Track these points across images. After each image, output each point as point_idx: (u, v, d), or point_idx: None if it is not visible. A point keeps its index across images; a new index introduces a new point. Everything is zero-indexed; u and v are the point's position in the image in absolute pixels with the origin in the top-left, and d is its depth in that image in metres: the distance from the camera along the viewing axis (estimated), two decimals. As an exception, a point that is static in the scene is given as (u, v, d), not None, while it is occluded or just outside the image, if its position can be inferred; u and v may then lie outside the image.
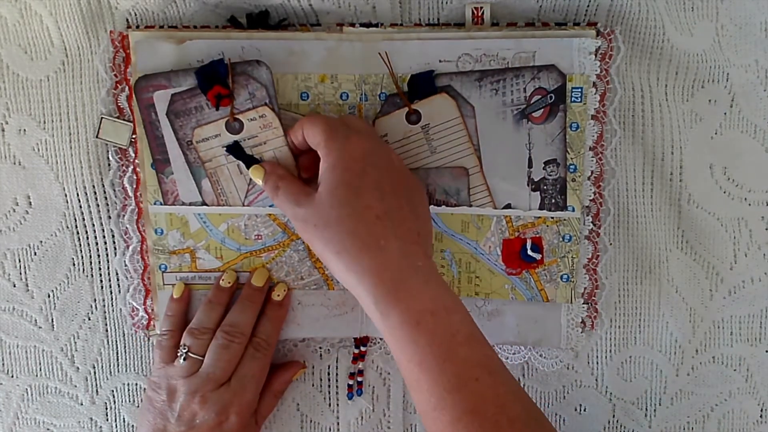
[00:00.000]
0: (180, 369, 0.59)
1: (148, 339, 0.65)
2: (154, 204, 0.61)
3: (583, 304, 0.64)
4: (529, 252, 0.62)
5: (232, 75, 0.59)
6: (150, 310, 0.64)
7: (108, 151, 0.62)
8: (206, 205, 0.61)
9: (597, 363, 0.66)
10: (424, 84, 0.60)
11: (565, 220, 0.62)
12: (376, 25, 0.61)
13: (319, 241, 0.54)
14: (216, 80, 0.59)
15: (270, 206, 0.61)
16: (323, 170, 0.55)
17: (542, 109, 0.61)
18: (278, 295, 0.63)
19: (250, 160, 0.60)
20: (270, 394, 0.64)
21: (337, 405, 0.67)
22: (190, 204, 0.61)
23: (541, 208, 0.62)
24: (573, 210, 0.62)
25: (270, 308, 0.63)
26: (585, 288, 0.64)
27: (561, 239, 0.62)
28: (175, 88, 0.59)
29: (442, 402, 0.50)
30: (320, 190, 0.54)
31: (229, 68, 0.59)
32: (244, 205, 0.61)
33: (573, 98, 0.60)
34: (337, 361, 0.66)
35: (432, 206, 0.62)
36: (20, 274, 0.63)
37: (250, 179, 0.61)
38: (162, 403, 0.59)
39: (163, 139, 0.60)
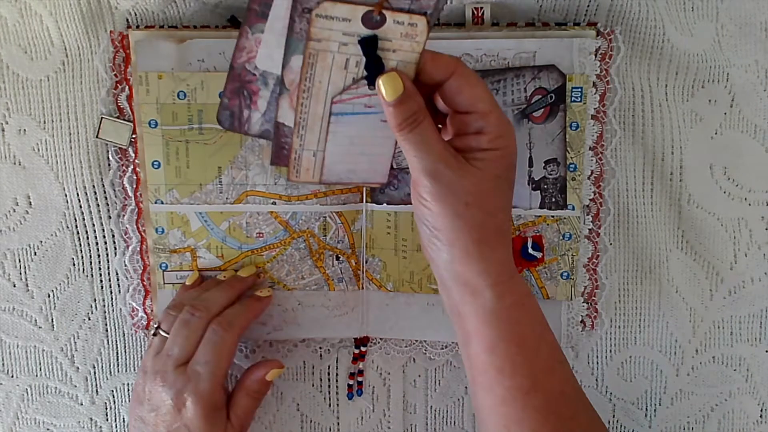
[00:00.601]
0: (152, 348, 0.58)
1: (148, 339, 0.65)
2: (155, 203, 0.61)
3: (583, 303, 0.64)
4: (530, 250, 0.62)
5: None
6: (149, 311, 0.63)
7: (108, 151, 0.62)
8: (282, 83, 0.51)
9: (597, 363, 0.66)
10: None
11: (565, 218, 0.62)
12: (377, 25, 0.61)
13: (458, 219, 0.48)
14: None
15: (351, 113, 0.52)
16: (491, 151, 0.49)
17: (542, 109, 0.61)
18: (261, 292, 0.62)
19: (379, 66, 0.49)
20: (243, 393, 0.60)
21: (337, 405, 0.67)
22: (263, 71, 0.52)
23: (541, 207, 0.62)
24: (573, 208, 0.62)
25: (248, 299, 0.62)
26: (585, 288, 0.64)
27: (561, 237, 0.62)
28: None
29: (537, 384, 0.50)
30: (485, 172, 0.49)
31: None
32: (327, 101, 0.51)
33: (573, 98, 0.60)
34: (337, 361, 0.66)
35: None
36: (20, 274, 0.63)
37: (355, 79, 0.50)
38: (140, 389, 0.58)
39: None
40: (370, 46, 0.49)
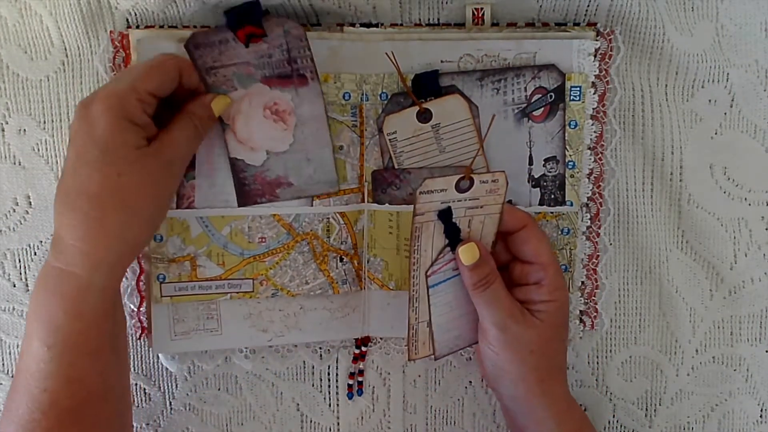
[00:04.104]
0: None
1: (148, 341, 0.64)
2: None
3: (581, 297, 0.64)
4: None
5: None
6: (143, 318, 0.62)
7: (108, 151, 0.62)
8: None
9: (597, 363, 0.66)
10: (428, 83, 0.60)
11: (563, 214, 0.62)
12: (377, 25, 0.61)
13: (523, 365, 0.56)
14: (248, 20, 0.56)
15: (444, 281, 0.58)
16: (550, 303, 0.56)
17: (542, 108, 0.61)
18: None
19: (456, 231, 0.57)
20: (184, 114, 0.55)
21: (337, 405, 0.67)
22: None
23: (540, 203, 0.62)
24: (571, 204, 0.62)
25: None
26: (585, 287, 0.64)
27: (560, 233, 0.62)
28: None
29: None
30: (547, 323, 0.56)
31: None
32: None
33: (572, 97, 0.61)
34: (337, 361, 0.66)
35: None
36: (20, 274, 0.63)
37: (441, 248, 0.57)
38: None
39: None
40: (446, 216, 0.56)
